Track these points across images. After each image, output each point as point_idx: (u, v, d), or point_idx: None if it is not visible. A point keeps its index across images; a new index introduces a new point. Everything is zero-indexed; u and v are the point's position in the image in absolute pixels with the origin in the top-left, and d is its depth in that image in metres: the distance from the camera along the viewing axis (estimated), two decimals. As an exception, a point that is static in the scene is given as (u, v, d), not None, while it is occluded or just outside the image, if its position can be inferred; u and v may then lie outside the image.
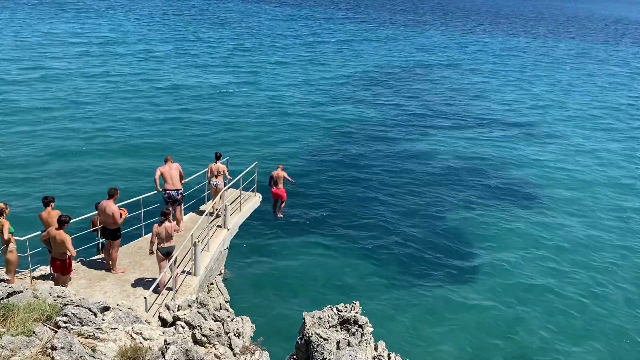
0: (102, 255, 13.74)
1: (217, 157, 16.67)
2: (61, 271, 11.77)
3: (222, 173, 16.62)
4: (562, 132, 39.77)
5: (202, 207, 17.56)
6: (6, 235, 11.32)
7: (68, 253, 11.47)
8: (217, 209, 16.39)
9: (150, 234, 12.82)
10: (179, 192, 14.77)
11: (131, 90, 42.34)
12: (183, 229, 15.03)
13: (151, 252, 12.68)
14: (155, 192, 14.87)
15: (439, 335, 17.02)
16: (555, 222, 25.17)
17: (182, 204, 15.20)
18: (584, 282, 20.54)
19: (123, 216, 13.06)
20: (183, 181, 15.13)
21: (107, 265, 13.32)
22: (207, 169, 16.96)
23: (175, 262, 12.54)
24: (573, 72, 66.66)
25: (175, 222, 14.89)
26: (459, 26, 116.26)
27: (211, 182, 16.71)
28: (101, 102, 38.47)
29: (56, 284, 11.83)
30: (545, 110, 45.90)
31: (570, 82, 59.53)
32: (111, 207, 12.76)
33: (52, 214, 11.96)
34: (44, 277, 12.54)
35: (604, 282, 20.65)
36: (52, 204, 12.22)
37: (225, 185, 16.75)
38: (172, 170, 14.62)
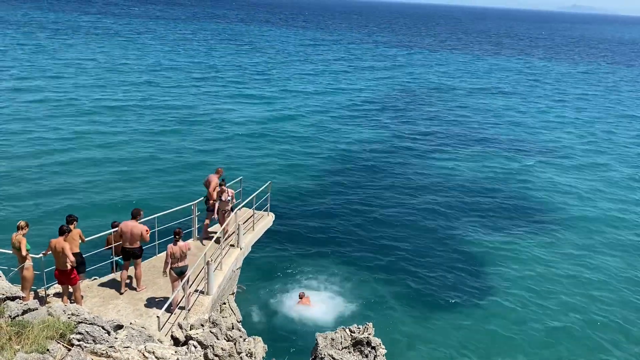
0: (117, 274, 13.79)
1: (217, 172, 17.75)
2: (68, 281, 11.86)
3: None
4: (586, 156, 39.27)
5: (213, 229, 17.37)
6: (24, 252, 11.46)
7: (69, 264, 11.52)
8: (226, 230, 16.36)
9: (164, 253, 12.86)
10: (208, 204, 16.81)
11: (145, 112, 42.98)
12: (226, 230, 15.87)
13: (164, 274, 12.67)
14: (179, 208, 16.83)
15: (453, 358, 16.73)
16: (575, 246, 24.80)
17: (212, 212, 16.65)
18: (605, 303, 20.14)
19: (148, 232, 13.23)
20: (216, 198, 16.57)
21: (122, 286, 13.24)
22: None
23: (188, 281, 12.55)
24: (598, 94, 66.33)
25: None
26: (477, 49, 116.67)
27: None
28: (120, 124, 39.08)
29: (69, 297, 11.96)
30: (568, 134, 45.59)
31: (594, 105, 59.27)
32: (138, 227, 12.93)
33: (74, 233, 12.14)
34: (58, 295, 12.63)
35: (623, 302, 20.24)
36: (75, 222, 12.43)
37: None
38: (209, 186, 16.66)
